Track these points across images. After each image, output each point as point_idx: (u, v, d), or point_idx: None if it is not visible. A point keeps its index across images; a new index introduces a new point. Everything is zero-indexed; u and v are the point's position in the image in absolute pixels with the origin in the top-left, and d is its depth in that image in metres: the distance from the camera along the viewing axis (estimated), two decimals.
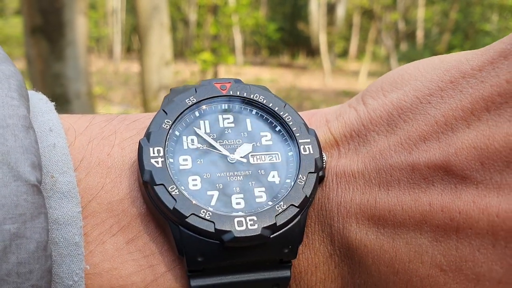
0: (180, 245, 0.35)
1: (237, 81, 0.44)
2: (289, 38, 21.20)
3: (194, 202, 0.36)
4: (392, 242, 0.35)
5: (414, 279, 0.33)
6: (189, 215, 0.35)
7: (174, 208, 0.35)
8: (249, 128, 0.41)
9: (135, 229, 0.37)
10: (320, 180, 0.40)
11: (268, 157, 0.40)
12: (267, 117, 0.42)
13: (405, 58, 11.11)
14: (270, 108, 0.42)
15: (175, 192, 0.36)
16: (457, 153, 0.34)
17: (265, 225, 0.35)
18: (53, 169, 0.36)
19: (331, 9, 18.66)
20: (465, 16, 10.25)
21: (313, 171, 0.39)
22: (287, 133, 0.42)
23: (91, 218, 0.36)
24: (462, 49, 9.52)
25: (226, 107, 0.42)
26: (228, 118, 0.42)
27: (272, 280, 0.37)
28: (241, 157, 0.39)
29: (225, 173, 0.38)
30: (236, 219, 0.35)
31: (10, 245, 0.30)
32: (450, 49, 9.91)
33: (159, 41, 5.57)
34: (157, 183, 0.36)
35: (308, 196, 0.38)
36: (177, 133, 0.40)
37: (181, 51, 17.91)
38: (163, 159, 0.37)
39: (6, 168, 0.31)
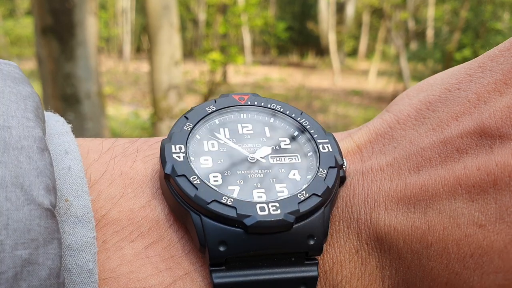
0: (202, 235, 0.34)
1: (255, 94, 0.45)
2: (298, 38, 21.16)
3: (216, 190, 0.36)
4: (424, 217, 0.34)
5: (450, 245, 0.32)
6: (211, 201, 0.35)
7: (195, 195, 0.35)
8: (268, 135, 0.42)
9: (155, 235, 0.36)
10: (341, 182, 0.39)
11: (288, 158, 0.40)
12: (285, 124, 0.43)
13: (415, 57, 11.06)
14: (288, 115, 0.43)
15: (197, 182, 0.36)
16: (491, 116, 0.34)
17: (288, 211, 0.35)
18: (67, 193, 0.35)
19: (340, 8, 18.62)
20: (476, 15, 10.18)
21: (334, 165, 0.39)
22: (305, 136, 0.42)
23: (111, 226, 0.36)
24: (472, 48, 9.46)
25: (245, 116, 0.43)
26: (247, 126, 0.42)
27: (299, 279, 0.36)
28: (261, 157, 0.40)
29: (245, 170, 0.39)
30: (258, 205, 0.35)
31: (22, 272, 0.29)
32: (460, 48, 9.85)
33: (169, 41, 5.58)
34: (179, 174, 0.36)
35: (330, 187, 0.37)
36: (198, 136, 0.41)
37: (190, 51, 17.93)
38: (184, 155, 0.38)
39: (19, 191, 0.30)
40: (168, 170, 0.36)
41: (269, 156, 0.40)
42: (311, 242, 0.36)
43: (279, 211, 0.35)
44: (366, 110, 10.25)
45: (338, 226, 0.38)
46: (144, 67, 13.70)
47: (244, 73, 14.88)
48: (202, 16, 15.84)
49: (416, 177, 0.36)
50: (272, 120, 0.44)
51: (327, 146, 0.41)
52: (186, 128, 0.40)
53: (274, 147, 0.41)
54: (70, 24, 3.77)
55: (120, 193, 0.38)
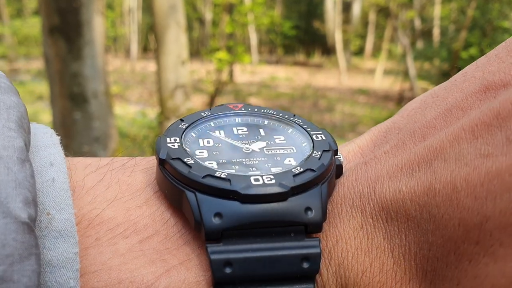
0: (197, 210, 0.34)
1: (247, 104, 0.46)
2: (304, 37, 21.12)
3: (210, 167, 0.36)
4: (429, 170, 0.33)
5: (458, 184, 0.31)
6: (204, 176, 0.35)
7: (189, 171, 0.35)
8: (263, 134, 0.43)
9: (151, 230, 0.36)
10: (338, 172, 0.40)
11: (283, 150, 0.41)
12: (279, 123, 0.44)
13: (421, 56, 11.02)
14: (281, 117, 0.45)
15: (191, 162, 0.36)
16: (495, 72, 0.35)
17: (282, 182, 0.35)
18: (49, 206, 0.33)
19: (346, 7, 18.57)
20: (483, 13, 10.11)
21: (328, 149, 0.39)
22: (299, 131, 0.43)
23: (105, 224, 0.35)
24: (479, 47, 9.40)
25: (239, 120, 0.44)
26: (242, 128, 0.43)
27: (300, 254, 0.35)
28: (256, 149, 0.41)
29: (241, 159, 0.39)
30: (252, 177, 0.35)
31: None
32: (467, 47, 9.80)
33: (176, 40, 5.57)
34: (173, 157, 0.36)
35: (325, 165, 0.37)
36: (193, 134, 0.41)
37: (197, 50, 17.95)
38: (179, 144, 0.38)
39: None
40: (162, 155, 0.37)
41: (264, 148, 0.41)
42: (310, 215, 0.35)
43: (273, 181, 0.35)
44: (373, 109, 10.23)
45: (340, 208, 0.37)
46: (151, 66, 13.72)
47: (251, 72, 14.88)
48: (208, 15, 15.86)
49: (421, 144, 0.36)
50: (266, 122, 0.44)
51: (321, 136, 0.41)
52: (181, 126, 0.41)
53: (269, 142, 0.42)
54: (77, 24, 3.78)
55: (116, 196, 0.37)
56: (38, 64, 13.57)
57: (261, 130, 0.43)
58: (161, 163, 0.37)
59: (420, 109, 0.40)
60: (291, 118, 0.44)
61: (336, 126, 8.89)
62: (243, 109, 0.45)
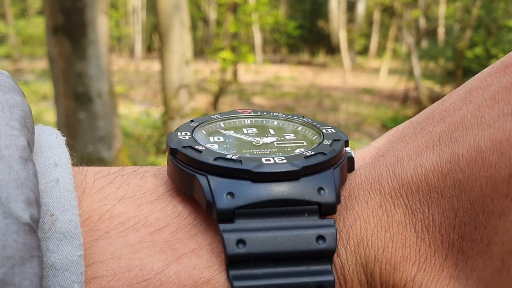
0: (208, 192, 0.33)
1: (255, 110, 0.47)
2: (308, 36, 21.13)
3: (221, 152, 0.36)
4: (450, 141, 0.33)
5: (483, 144, 0.31)
6: (215, 158, 0.35)
7: (200, 155, 0.35)
8: (272, 132, 0.43)
9: (162, 223, 0.35)
10: (349, 166, 0.39)
11: (293, 143, 0.41)
12: (288, 123, 0.45)
13: (426, 55, 11.02)
14: (290, 118, 0.45)
15: (202, 148, 0.36)
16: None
17: (294, 161, 0.35)
18: (53, 207, 0.32)
19: (351, 7, 18.58)
20: (488, 12, 10.10)
21: (338, 139, 0.39)
22: (309, 128, 0.43)
23: (116, 218, 0.35)
24: (484, 46, 9.38)
25: (249, 122, 0.45)
26: (252, 129, 0.43)
27: (315, 234, 0.34)
28: (266, 142, 0.41)
29: (252, 149, 0.39)
30: (263, 158, 0.35)
31: None
32: (472, 46, 9.79)
33: (180, 40, 5.61)
34: (184, 145, 0.36)
35: (336, 150, 0.37)
36: (203, 131, 0.42)
37: (201, 50, 17.98)
38: (190, 136, 0.39)
39: None
40: (173, 145, 0.37)
41: (275, 142, 0.41)
42: (323, 194, 0.34)
43: (285, 161, 0.35)
44: (378, 108, 10.23)
45: (357, 193, 0.37)
46: (155, 66, 13.76)
47: (255, 71, 14.89)
48: (212, 15, 15.87)
49: (441, 124, 0.36)
50: (275, 123, 0.45)
51: (331, 130, 0.41)
52: (192, 125, 0.41)
53: (279, 137, 0.42)
54: (81, 23, 3.81)
55: (127, 194, 0.37)
56: (42, 64, 13.63)
57: (271, 130, 0.43)
58: (172, 152, 0.37)
59: (438, 103, 0.40)
60: (300, 119, 0.45)
61: (341, 126, 8.90)
62: (252, 113, 0.46)
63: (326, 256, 0.34)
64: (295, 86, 12.85)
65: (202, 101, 9.56)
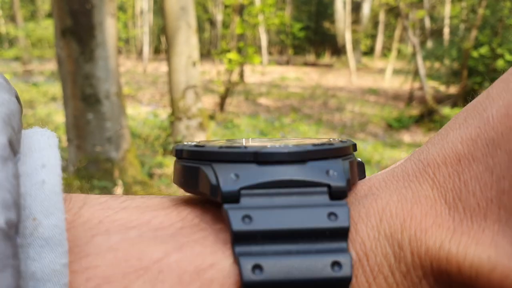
0: (213, 177, 0.32)
1: None
2: (314, 37, 21.09)
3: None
4: (477, 114, 0.32)
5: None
6: (220, 147, 0.34)
7: (205, 147, 0.34)
8: (286, 141, 0.41)
9: (166, 223, 0.33)
10: (360, 172, 0.38)
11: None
12: (294, 139, 0.43)
13: (431, 55, 10.97)
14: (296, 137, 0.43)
15: (208, 144, 0.35)
16: None
17: (299, 146, 0.34)
18: (37, 210, 0.29)
19: (356, 7, 18.55)
20: (494, 12, 10.05)
21: (345, 141, 0.37)
22: (316, 139, 0.41)
23: (117, 222, 0.33)
24: (490, 46, 9.33)
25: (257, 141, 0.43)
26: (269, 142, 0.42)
27: (326, 209, 0.32)
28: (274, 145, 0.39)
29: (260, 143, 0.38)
30: (269, 144, 0.35)
31: None
32: (477, 46, 9.75)
33: (186, 42, 5.62)
34: (191, 146, 0.36)
35: (343, 142, 0.36)
36: (212, 143, 0.40)
37: (207, 51, 18.02)
38: (197, 142, 0.38)
39: None
40: (179, 147, 0.36)
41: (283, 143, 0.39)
42: (331, 175, 0.33)
43: (291, 145, 0.34)
44: (383, 108, 10.22)
45: (378, 184, 0.35)
46: (162, 67, 13.80)
47: (261, 72, 14.92)
48: (219, 16, 15.92)
49: (463, 113, 0.34)
50: (281, 139, 0.43)
51: (338, 139, 0.40)
52: (198, 142, 0.40)
53: (287, 144, 0.40)
54: (89, 26, 3.84)
55: (130, 205, 0.35)
56: (51, 65, 13.70)
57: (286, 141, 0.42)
58: (178, 154, 0.36)
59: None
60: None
61: (346, 126, 8.91)
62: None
63: (340, 233, 0.31)
64: (301, 87, 12.86)
65: (209, 102, 9.61)
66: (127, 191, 4.29)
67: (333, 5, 19.19)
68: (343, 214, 0.31)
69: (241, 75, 10.41)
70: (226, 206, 0.31)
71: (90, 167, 4.26)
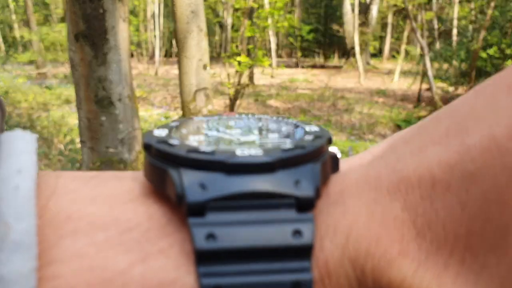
0: (179, 184, 0.31)
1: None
2: (323, 39, 21.02)
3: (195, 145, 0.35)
4: (459, 133, 0.30)
5: (498, 133, 0.27)
6: (189, 151, 0.32)
7: (173, 149, 0.33)
8: (256, 133, 0.41)
9: (133, 223, 0.33)
10: (334, 165, 0.37)
11: (276, 141, 0.38)
12: (273, 123, 0.42)
13: (440, 57, 10.89)
14: (276, 119, 0.43)
15: (176, 143, 0.34)
16: None
17: (270, 153, 0.33)
18: (10, 215, 0.30)
19: (365, 9, 18.49)
20: (502, 13, 9.99)
21: (320, 136, 0.36)
22: (293, 126, 0.41)
23: (85, 218, 0.32)
24: (499, 47, 9.25)
25: (233, 123, 0.42)
26: (236, 130, 0.41)
27: (291, 225, 0.31)
28: (248, 140, 0.38)
29: (230, 144, 0.37)
30: (238, 149, 0.33)
31: None
32: (486, 47, 9.70)
33: (197, 45, 5.67)
34: (159, 141, 0.34)
35: (317, 145, 0.34)
36: (184, 131, 0.39)
37: (218, 54, 18.07)
38: (167, 133, 0.36)
39: None
40: (148, 139, 0.34)
41: (256, 140, 0.38)
42: (300, 187, 0.32)
43: (260, 153, 0.32)
44: (391, 109, 10.17)
45: (351, 189, 0.33)
46: (173, 70, 13.85)
47: (270, 75, 14.96)
48: (229, 20, 15.97)
49: (447, 120, 0.32)
50: (260, 124, 0.43)
51: (314, 127, 0.39)
52: (171, 125, 0.39)
53: (261, 136, 0.40)
54: (102, 30, 3.89)
55: (100, 195, 0.35)
56: (64, 69, 13.79)
57: (255, 131, 0.41)
58: (146, 147, 0.35)
59: (445, 107, 0.36)
60: (285, 119, 0.43)
61: (355, 127, 8.93)
62: (237, 115, 0.43)
63: (304, 252, 0.32)
64: (310, 89, 12.85)
65: (219, 104, 9.67)
66: None
67: (341, 7, 19.17)
68: (308, 231, 0.31)
69: (251, 77, 10.45)
70: (190, 221, 0.32)
71: (104, 168, 4.32)
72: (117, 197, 0.34)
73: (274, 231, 0.30)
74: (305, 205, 0.31)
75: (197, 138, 0.37)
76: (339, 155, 0.37)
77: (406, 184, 0.31)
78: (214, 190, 0.30)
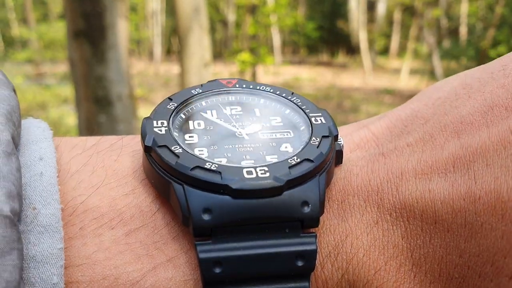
0: (185, 205, 0.32)
1: (242, 79, 0.43)
2: (328, 37, 21.06)
3: (199, 157, 0.34)
4: (467, 173, 0.31)
5: (505, 193, 0.28)
6: (193, 167, 0.32)
7: (177, 162, 0.32)
8: (258, 114, 0.40)
9: (138, 222, 0.34)
10: (338, 158, 0.37)
11: (279, 134, 0.38)
12: (275, 103, 0.41)
13: (448, 55, 10.92)
14: (278, 95, 0.42)
15: (179, 151, 0.34)
16: None
17: (277, 175, 0.32)
18: (36, 200, 0.33)
19: (371, 7, 18.48)
20: (511, 10, 10.00)
21: (327, 135, 0.37)
22: (297, 112, 0.40)
23: (90, 212, 0.34)
24: (508, 45, 9.24)
25: (233, 99, 0.41)
26: (236, 108, 0.40)
27: (294, 252, 0.32)
28: (250, 133, 0.38)
29: (233, 145, 0.36)
30: (245, 170, 0.33)
31: None
32: (495, 45, 9.67)
33: (199, 43, 5.62)
34: (159, 145, 0.34)
35: (324, 153, 0.35)
36: (183, 115, 0.39)
37: (220, 52, 18.04)
38: (166, 129, 0.36)
39: None
40: (148, 142, 0.34)
41: (259, 132, 0.38)
42: (306, 210, 0.32)
43: (268, 174, 0.32)
44: None
45: (353, 200, 0.35)
46: (174, 69, 13.83)
47: (274, 73, 14.88)
48: (231, 17, 15.91)
49: (455, 141, 0.33)
50: (262, 101, 0.42)
51: (320, 119, 0.38)
52: (170, 107, 0.38)
53: (264, 124, 0.39)
54: (101, 27, 3.83)
55: (101, 182, 0.36)
56: (63, 67, 13.78)
57: (256, 110, 0.40)
58: (147, 150, 0.35)
59: (449, 100, 0.36)
60: (289, 97, 0.41)
61: None
62: (237, 85, 0.42)
63: (304, 274, 0.33)
64: (315, 87, 12.80)
65: None
66: None
67: (347, 4, 19.13)
68: (310, 256, 0.32)
69: (254, 75, 10.41)
70: (198, 248, 0.32)
71: None
72: (118, 185, 0.36)
73: (279, 257, 0.33)
74: (310, 224, 0.33)
75: (197, 125, 0.38)
76: (343, 146, 0.37)
77: (409, 212, 0.33)
78: (221, 215, 0.32)
